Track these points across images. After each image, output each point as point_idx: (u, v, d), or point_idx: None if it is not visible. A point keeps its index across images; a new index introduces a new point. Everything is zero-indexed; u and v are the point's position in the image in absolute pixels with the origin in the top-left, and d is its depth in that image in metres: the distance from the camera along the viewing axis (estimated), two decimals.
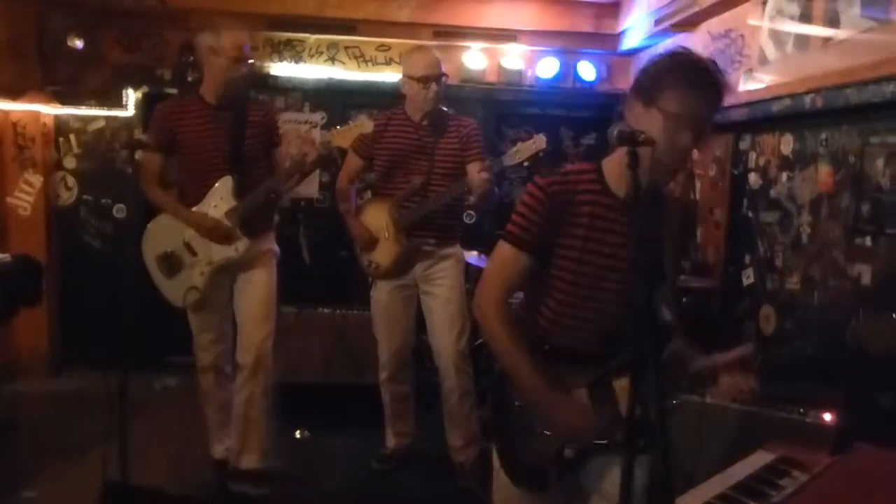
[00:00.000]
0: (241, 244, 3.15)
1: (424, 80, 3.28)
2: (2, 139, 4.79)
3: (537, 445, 1.85)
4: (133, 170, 3.44)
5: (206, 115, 3.14)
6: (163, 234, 3.22)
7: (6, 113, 4.78)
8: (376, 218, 3.46)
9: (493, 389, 2.00)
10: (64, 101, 4.92)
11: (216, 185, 3.13)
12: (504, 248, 1.84)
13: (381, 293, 3.54)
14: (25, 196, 4.88)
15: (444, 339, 3.43)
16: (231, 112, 3.14)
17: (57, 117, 5.00)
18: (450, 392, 3.46)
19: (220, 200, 3.14)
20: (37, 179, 4.90)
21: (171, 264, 3.21)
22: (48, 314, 4.82)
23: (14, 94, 4.72)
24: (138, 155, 3.04)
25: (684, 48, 1.77)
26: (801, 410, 2.53)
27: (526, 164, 3.08)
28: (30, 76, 4.83)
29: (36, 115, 4.87)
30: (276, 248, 3.39)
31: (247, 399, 3.24)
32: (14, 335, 4.74)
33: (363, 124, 3.01)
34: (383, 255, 3.44)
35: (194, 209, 3.16)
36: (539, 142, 3.01)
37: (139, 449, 2.70)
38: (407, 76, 3.35)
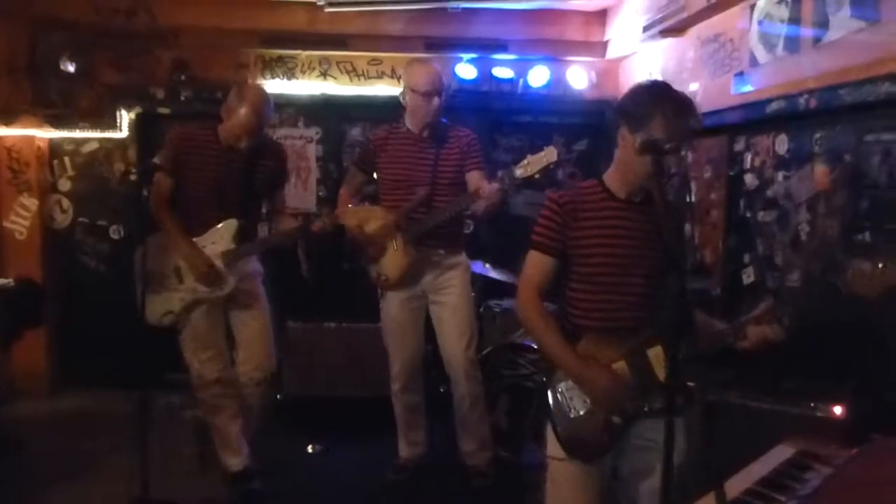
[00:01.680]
0: (227, 286, 3.28)
1: (428, 95, 3.32)
2: None
3: (586, 420, 2.12)
4: (147, 191, 3.54)
5: (219, 151, 3.23)
6: (158, 252, 3.25)
7: (0, 138, 4.76)
8: (383, 230, 3.46)
9: (541, 377, 2.27)
10: (57, 124, 4.91)
11: (220, 225, 3.24)
12: (532, 255, 2.21)
13: (391, 305, 3.55)
14: (21, 220, 4.87)
15: (455, 346, 3.46)
16: (244, 153, 3.23)
17: (51, 140, 5.00)
18: (461, 399, 3.49)
19: (219, 239, 3.25)
20: (32, 203, 4.88)
21: (158, 282, 3.23)
22: (46, 335, 4.80)
23: (7, 116, 4.70)
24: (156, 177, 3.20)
25: (663, 82, 2.16)
26: (812, 404, 2.58)
27: (537, 176, 3.07)
28: (22, 98, 4.82)
29: (30, 139, 4.86)
30: (259, 266, 3.51)
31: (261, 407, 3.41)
32: (12, 356, 4.71)
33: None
34: (392, 266, 3.45)
35: (195, 240, 3.24)
36: (550, 154, 3.00)
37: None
38: (410, 89, 3.39)
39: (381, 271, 3.49)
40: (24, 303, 4.01)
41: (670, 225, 2.08)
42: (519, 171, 3.06)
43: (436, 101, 3.35)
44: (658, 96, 2.06)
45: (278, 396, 4.33)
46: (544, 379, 2.21)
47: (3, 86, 4.71)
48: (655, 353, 2.09)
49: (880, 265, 1.83)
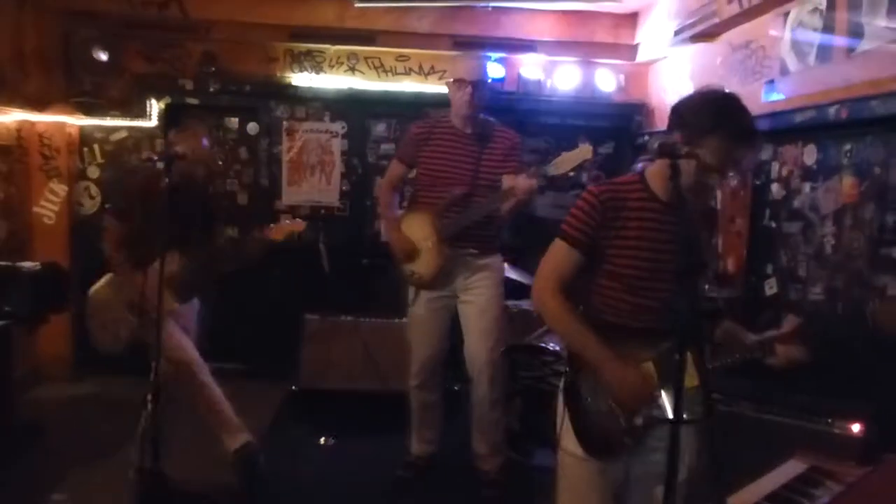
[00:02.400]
0: None
1: (461, 83, 3.29)
2: (28, 149, 4.87)
3: (608, 418, 2.05)
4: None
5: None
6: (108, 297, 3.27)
7: (32, 124, 4.86)
8: (417, 228, 3.44)
9: (564, 373, 2.17)
10: (88, 112, 4.99)
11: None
12: (559, 245, 2.10)
13: (419, 303, 3.51)
14: (50, 205, 4.95)
15: (479, 347, 3.42)
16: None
17: (81, 128, 5.08)
18: (480, 400, 3.46)
19: None
20: (61, 189, 4.97)
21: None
22: (70, 321, 4.87)
23: (40, 105, 4.79)
24: None
25: (732, 95, 1.95)
26: (829, 421, 2.54)
27: (571, 173, 3.03)
28: (55, 87, 4.91)
29: (61, 126, 4.95)
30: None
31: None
32: (37, 342, 4.80)
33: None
34: (425, 265, 3.42)
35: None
36: (585, 151, 2.94)
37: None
38: (449, 79, 3.38)
39: (415, 269, 3.46)
40: (51, 287, 4.05)
41: (703, 231, 2.06)
42: (552, 169, 3.01)
43: (469, 90, 3.27)
44: (723, 115, 1.89)
45: (293, 388, 4.37)
46: (567, 369, 2.14)
47: (38, 75, 4.80)
48: (685, 359, 2.03)
49: None
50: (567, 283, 2.11)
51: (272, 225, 3.37)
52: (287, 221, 3.45)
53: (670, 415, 1.99)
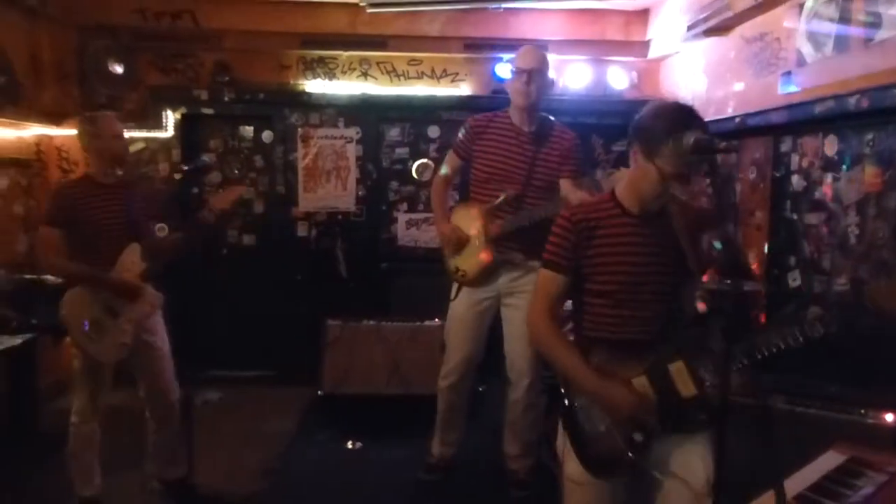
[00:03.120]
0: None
1: (519, 72, 3.24)
2: (47, 163, 4.91)
3: (607, 437, 2.07)
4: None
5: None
6: (76, 305, 3.18)
7: (51, 138, 4.90)
8: (467, 224, 3.40)
9: (558, 399, 2.18)
10: None
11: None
12: (544, 274, 2.18)
13: (459, 302, 3.47)
14: None
15: (520, 350, 3.36)
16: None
17: None
18: (516, 402, 3.43)
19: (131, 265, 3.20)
20: None
21: (95, 329, 3.18)
22: None
23: (57, 118, 4.83)
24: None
25: (683, 104, 2.04)
26: (862, 411, 2.52)
27: None
28: (71, 100, 4.95)
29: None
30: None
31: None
32: (61, 353, 4.82)
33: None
34: (471, 263, 3.39)
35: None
36: None
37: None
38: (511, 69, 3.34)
39: (460, 266, 3.42)
40: None
41: (672, 243, 2.09)
42: (607, 185, 2.92)
43: (524, 78, 3.21)
44: (676, 124, 1.94)
45: (319, 392, 4.39)
46: (564, 397, 2.14)
47: (54, 88, 4.84)
48: (677, 368, 2.04)
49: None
50: (557, 308, 2.18)
51: (211, 199, 3.33)
52: (226, 190, 3.41)
53: (664, 428, 2.03)
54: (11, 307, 3.77)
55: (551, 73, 5.16)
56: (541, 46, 5.04)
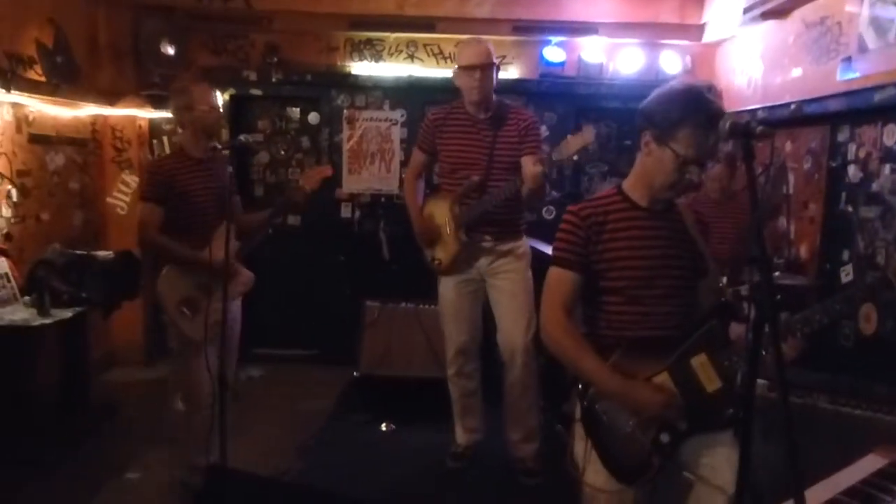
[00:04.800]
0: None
1: (471, 70, 3.24)
2: (102, 142, 5.05)
3: (632, 440, 1.98)
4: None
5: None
6: (174, 283, 3.13)
7: (105, 117, 5.03)
8: (438, 214, 3.47)
9: (579, 402, 2.08)
10: (157, 105, 5.13)
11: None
12: (555, 272, 2.09)
13: (447, 288, 3.53)
14: (122, 196, 5.13)
15: (511, 331, 3.39)
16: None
17: (151, 120, 5.23)
18: (512, 385, 3.43)
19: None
20: (133, 180, 5.13)
21: (192, 308, 3.13)
22: (143, 308, 5.05)
23: (112, 98, 4.95)
24: None
25: (695, 85, 2.00)
26: None
27: (575, 157, 3.01)
28: (126, 81, 5.07)
29: (132, 119, 5.11)
30: None
31: None
32: (112, 327, 4.99)
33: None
34: (444, 251, 3.45)
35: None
36: (588, 133, 2.90)
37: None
38: (457, 67, 3.34)
39: (435, 255, 3.50)
40: (124, 275, 4.22)
41: (685, 236, 2.06)
42: (556, 153, 2.98)
43: (477, 75, 3.23)
44: (689, 105, 1.90)
45: (355, 374, 4.42)
46: (584, 401, 2.04)
47: (110, 69, 4.97)
48: (700, 362, 1.96)
49: None
50: (572, 308, 2.08)
51: (300, 180, 3.26)
52: (313, 170, 3.33)
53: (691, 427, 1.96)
54: (63, 281, 3.88)
55: (601, 58, 5.15)
56: (591, 29, 5.00)
